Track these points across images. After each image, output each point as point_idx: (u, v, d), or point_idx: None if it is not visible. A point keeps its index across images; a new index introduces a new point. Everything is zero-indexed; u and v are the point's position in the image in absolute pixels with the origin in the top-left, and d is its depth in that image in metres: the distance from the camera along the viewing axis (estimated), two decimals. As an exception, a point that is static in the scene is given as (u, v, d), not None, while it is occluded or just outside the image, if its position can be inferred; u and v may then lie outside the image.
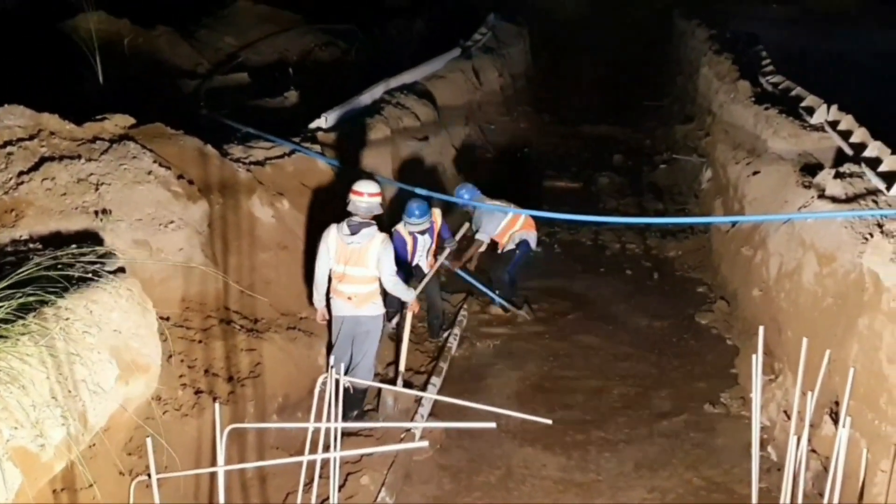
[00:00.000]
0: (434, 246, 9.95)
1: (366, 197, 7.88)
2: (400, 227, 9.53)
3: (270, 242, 8.90)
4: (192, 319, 7.32)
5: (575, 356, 10.08)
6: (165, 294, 6.98)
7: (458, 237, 10.47)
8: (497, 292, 10.92)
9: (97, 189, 7.07)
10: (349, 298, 7.98)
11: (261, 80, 14.47)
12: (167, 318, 6.78)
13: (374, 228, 7.90)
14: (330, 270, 7.96)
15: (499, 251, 10.97)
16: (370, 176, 9.10)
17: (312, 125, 10.97)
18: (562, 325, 10.85)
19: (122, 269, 5.93)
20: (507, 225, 10.73)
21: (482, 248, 10.93)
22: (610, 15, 30.07)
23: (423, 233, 9.60)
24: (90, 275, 5.54)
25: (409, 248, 9.66)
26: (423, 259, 9.88)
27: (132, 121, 8.22)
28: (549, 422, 4.48)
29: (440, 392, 8.81)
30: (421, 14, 22.21)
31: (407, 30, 20.85)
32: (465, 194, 10.53)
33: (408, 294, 8.62)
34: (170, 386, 6.52)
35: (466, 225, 10.71)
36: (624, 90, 22.85)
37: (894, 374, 6.42)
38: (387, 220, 9.38)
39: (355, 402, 8.25)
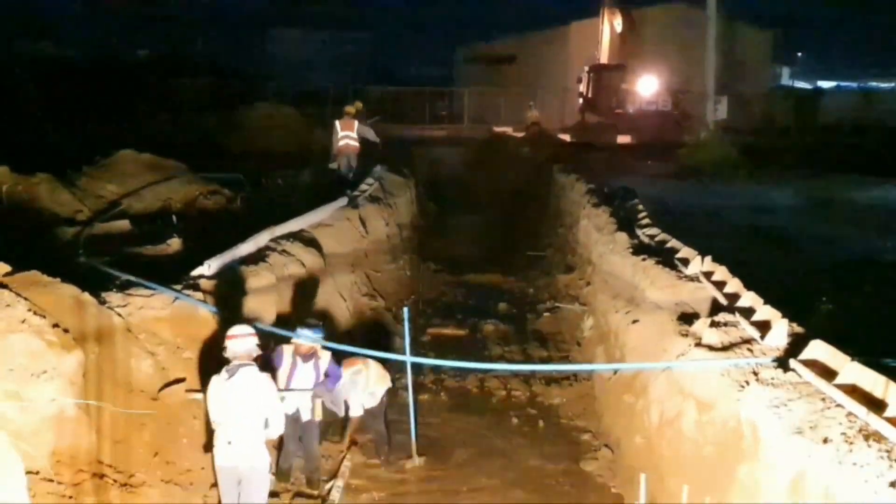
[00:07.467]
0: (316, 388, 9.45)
1: (239, 339, 7.84)
2: (284, 346, 9.34)
3: (148, 392, 8.63)
4: (63, 474, 6.98)
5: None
6: (35, 447, 6.67)
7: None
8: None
9: (-34, 338, 6.81)
10: (229, 443, 7.72)
11: (143, 227, 14.34)
12: (36, 473, 6.48)
13: (254, 368, 7.80)
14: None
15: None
16: (245, 321, 8.91)
17: (195, 273, 10.80)
18: (453, 468, 10.65)
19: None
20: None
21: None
22: (493, 168, 31.11)
23: (307, 359, 9.34)
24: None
25: (287, 371, 9.30)
26: (297, 393, 9.33)
27: (7, 268, 8.02)
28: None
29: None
30: (309, 164, 22.56)
31: (294, 179, 21.10)
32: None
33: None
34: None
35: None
36: (507, 240, 23.45)
37: (774, 520, 6.51)
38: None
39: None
